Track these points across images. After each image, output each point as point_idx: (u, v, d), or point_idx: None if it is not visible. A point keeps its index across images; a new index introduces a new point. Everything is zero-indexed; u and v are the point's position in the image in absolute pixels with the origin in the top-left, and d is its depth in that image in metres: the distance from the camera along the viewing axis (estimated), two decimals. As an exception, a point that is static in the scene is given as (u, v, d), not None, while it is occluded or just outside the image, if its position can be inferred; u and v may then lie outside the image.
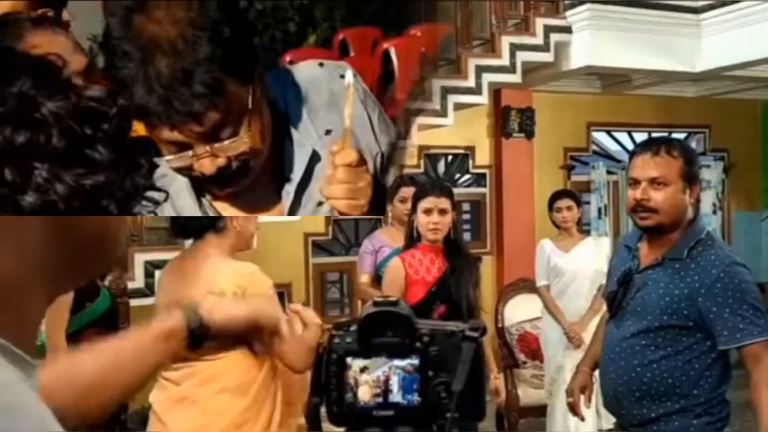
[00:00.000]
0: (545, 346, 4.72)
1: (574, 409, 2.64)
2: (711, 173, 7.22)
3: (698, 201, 2.79)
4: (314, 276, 6.02)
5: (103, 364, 0.96)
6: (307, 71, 1.52)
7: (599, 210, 6.87)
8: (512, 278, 5.71)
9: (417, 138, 5.13)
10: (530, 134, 6.47)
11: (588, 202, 6.70)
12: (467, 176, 6.66)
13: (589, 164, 7.07)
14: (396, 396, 0.98)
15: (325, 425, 1.03)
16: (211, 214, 1.51)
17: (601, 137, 7.34)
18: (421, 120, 5.06)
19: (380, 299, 1.02)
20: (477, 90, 5.24)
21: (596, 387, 2.59)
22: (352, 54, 4.53)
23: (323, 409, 1.01)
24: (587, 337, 3.82)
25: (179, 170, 1.31)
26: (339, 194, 1.35)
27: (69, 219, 0.50)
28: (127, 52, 1.12)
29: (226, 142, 1.26)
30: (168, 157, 1.26)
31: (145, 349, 0.99)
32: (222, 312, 1.04)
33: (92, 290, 3.26)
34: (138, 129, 1.18)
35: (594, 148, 7.25)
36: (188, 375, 2.24)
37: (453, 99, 5.15)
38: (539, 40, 5.43)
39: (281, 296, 4.56)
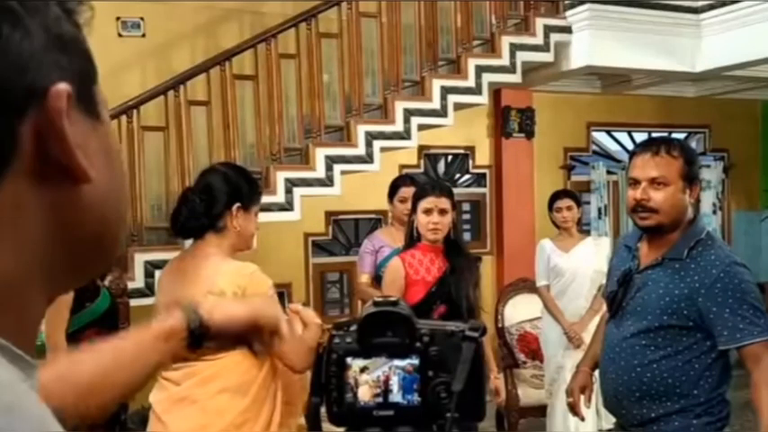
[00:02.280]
0: (545, 346, 4.72)
1: (574, 409, 2.64)
2: (711, 173, 7.22)
3: (698, 201, 2.79)
4: (314, 276, 6.01)
5: (103, 364, 0.96)
6: None
7: (599, 210, 6.87)
8: (512, 278, 5.71)
9: (417, 138, 5.13)
10: (530, 134, 6.47)
11: (588, 202, 6.71)
12: (467, 176, 6.66)
13: (589, 164, 7.07)
14: (396, 396, 0.98)
15: (326, 425, 1.03)
16: None
17: (601, 137, 7.34)
18: (421, 120, 5.07)
19: (380, 299, 1.02)
20: (477, 90, 5.24)
21: (596, 387, 2.60)
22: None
23: (323, 409, 1.01)
24: (587, 337, 3.82)
25: None
26: None
27: (69, 218, 0.50)
28: None
29: None
30: None
31: (145, 349, 0.98)
32: (222, 312, 1.04)
33: (92, 290, 3.25)
34: None
35: (594, 148, 7.25)
36: (188, 375, 2.24)
37: (453, 99, 5.15)
38: (539, 40, 5.44)
39: (281, 296, 4.56)
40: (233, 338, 1.07)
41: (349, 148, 4.90)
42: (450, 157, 6.62)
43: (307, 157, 4.83)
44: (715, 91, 7.05)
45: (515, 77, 5.41)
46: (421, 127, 5.10)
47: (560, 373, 4.44)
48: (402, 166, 5.94)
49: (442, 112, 5.13)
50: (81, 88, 0.50)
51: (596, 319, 3.64)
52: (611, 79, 6.62)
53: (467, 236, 6.16)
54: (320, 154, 4.79)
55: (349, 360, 0.99)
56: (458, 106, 5.21)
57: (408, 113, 5.02)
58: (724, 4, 5.47)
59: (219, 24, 5.46)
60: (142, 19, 5.28)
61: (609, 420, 3.48)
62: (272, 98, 4.81)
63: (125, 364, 0.98)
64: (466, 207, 6.42)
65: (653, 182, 2.24)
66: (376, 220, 6.08)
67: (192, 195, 2.36)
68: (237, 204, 2.32)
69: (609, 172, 7.02)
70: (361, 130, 4.90)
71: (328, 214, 5.97)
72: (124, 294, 3.83)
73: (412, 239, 3.20)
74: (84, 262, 0.54)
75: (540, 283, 4.68)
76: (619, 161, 7.15)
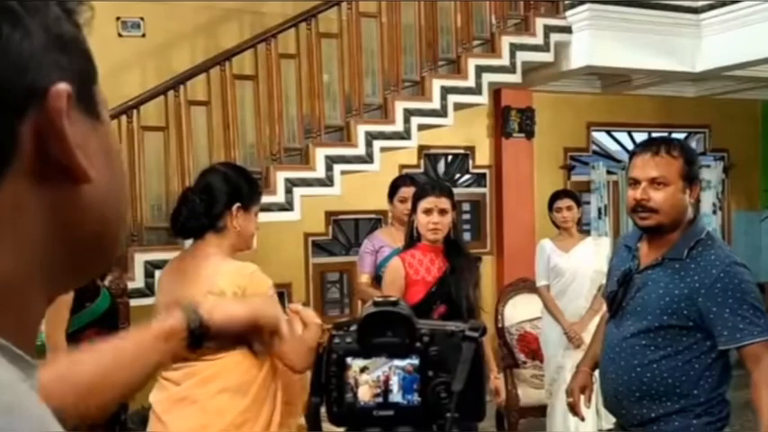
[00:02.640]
0: (545, 346, 4.72)
1: (574, 409, 2.64)
2: (711, 173, 7.21)
3: (698, 201, 2.79)
4: (314, 276, 6.01)
5: (103, 364, 0.96)
6: None
7: (599, 210, 6.87)
8: (512, 278, 5.71)
9: (417, 138, 5.13)
10: (530, 134, 6.47)
11: (588, 202, 6.70)
12: (467, 176, 6.66)
13: (589, 164, 7.07)
14: (396, 396, 0.98)
15: (326, 425, 1.03)
16: None
17: (601, 137, 7.34)
18: (421, 120, 5.07)
19: (380, 299, 1.02)
20: (477, 90, 5.24)
21: (596, 387, 2.59)
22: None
23: (323, 409, 1.01)
24: (587, 337, 3.82)
25: None
26: None
27: (69, 218, 0.50)
28: None
29: None
30: None
31: (145, 349, 0.98)
32: (222, 312, 1.04)
33: (92, 290, 3.25)
34: None
35: (594, 148, 7.25)
36: (188, 375, 2.24)
37: (453, 99, 5.15)
38: (539, 40, 5.44)
39: (281, 296, 4.56)
40: (233, 338, 1.07)
41: (349, 148, 4.90)
42: (450, 157, 6.62)
43: (307, 157, 4.83)
44: (715, 91, 7.04)
45: (515, 77, 5.41)
46: (421, 127, 5.10)
47: (560, 373, 4.44)
48: (402, 166, 5.94)
49: (442, 112, 5.13)
50: (81, 88, 0.50)
51: (596, 319, 3.64)
52: (611, 79, 6.62)
53: (467, 236, 6.16)
54: (320, 154, 4.79)
55: (349, 360, 0.99)
56: (458, 106, 5.21)
57: (408, 113, 5.02)
58: (724, 4, 5.47)
59: (219, 24, 5.46)
60: (142, 19, 5.28)
61: (609, 420, 3.48)
62: (272, 98, 4.81)
63: (125, 364, 0.97)
64: (466, 207, 6.42)
65: (653, 182, 2.24)
66: (376, 220, 6.08)
67: (192, 195, 2.36)
68: (237, 204, 2.32)
69: (609, 172, 7.02)
70: (361, 130, 4.90)
71: (328, 214, 5.97)
72: (124, 294, 3.83)
73: (412, 239, 3.20)
74: (84, 262, 0.54)
75: (540, 283, 4.68)
76: (619, 161, 7.15)
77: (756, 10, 5.17)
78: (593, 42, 5.44)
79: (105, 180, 0.52)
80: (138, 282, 4.30)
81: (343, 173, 4.86)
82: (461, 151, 6.54)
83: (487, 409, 1.26)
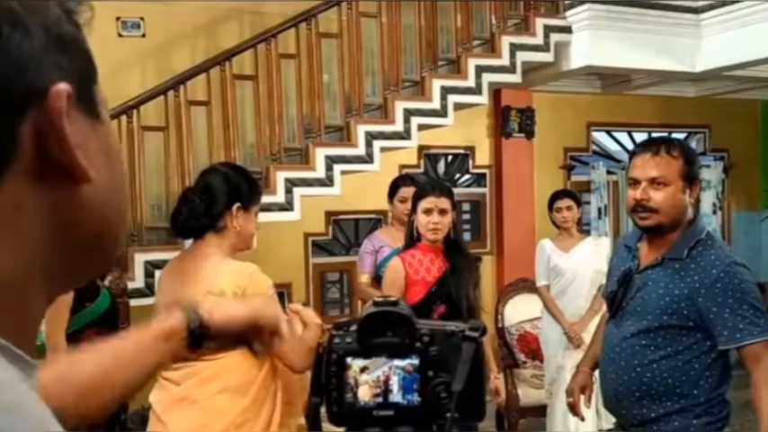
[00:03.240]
0: (545, 346, 4.72)
1: (574, 409, 2.64)
2: (711, 173, 7.21)
3: (698, 201, 2.79)
4: (314, 276, 6.01)
5: (103, 364, 0.96)
6: None
7: (599, 210, 6.87)
8: (512, 278, 5.71)
9: (417, 138, 5.13)
10: (530, 134, 6.47)
11: (588, 202, 6.70)
12: (467, 176, 6.66)
13: (589, 164, 7.07)
14: (396, 396, 0.98)
15: (325, 425, 1.03)
16: None
17: (601, 137, 7.34)
18: (421, 120, 5.07)
19: (380, 299, 1.02)
20: (477, 90, 5.24)
21: (596, 387, 2.60)
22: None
23: (323, 409, 1.01)
24: (587, 337, 3.82)
25: None
26: None
27: (69, 218, 0.50)
28: None
29: None
30: None
31: (145, 349, 0.98)
32: (222, 312, 1.04)
33: (92, 290, 3.25)
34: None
35: (594, 148, 7.25)
36: (188, 375, 2.24)
37: (453, 99, 5.15)
38: (539, 40, 5.44)
39: (281, 296, 4.56)
40: (233, 338, 1.07)
41: (349, 148, 4.90)
42: (450, 157, 6.62)
43: (307, 157, 4.83)
44: (715, 91, 7.05)
45: (515, 77, 5.41)
46: (421, 127, 5.10)
47: (560, 373, 4.44)
48: (402, 166, 5.94)
49: (441, 112, 5.13)
50: (81, 88, 0.50)
51: (596, 319, 3.64)
52: (611, 79, 6.62)
53: (467, 236, 6.16)
54: (320, 154, 4.79)
55: (349, 360, 0.99)
56: (458, 106, 5.21)
57: (408, 113, 5.02)
58: (724, 4, 5.47)
59: (219, 24, 5.46)
60: (142, 19, 5.28)
61: (609, 420, 3.48)
62: (272, 98, 4.81)
63: (125, 364, 0.97)
64: (466, 207, 6.42)
65: (653, 182, 2.24)
66: (376, 220, 6.08)
67: (192, 195, 2.36)
68: (237, 204, 2.32)
69: (609, 172, 7.02)
70: (361, 130, 4.90)
71: (328, 214, 5.97)
72: (124, 294, 3.83)
73: (412, 239, 3.20)
74: (85, 262, 0.54)
75: (540, 283, 4.68)
76: (619, 161, 7.15)
77: (756, 10, 5.17)
78: (593, 42, 5.44)
79: (105, 180, 0.52)
80: (138, 282, 4.30)
81: (343, 173, 4.86)
82: (461, 151, 6.54)
83: (487, 409, 1.26)
